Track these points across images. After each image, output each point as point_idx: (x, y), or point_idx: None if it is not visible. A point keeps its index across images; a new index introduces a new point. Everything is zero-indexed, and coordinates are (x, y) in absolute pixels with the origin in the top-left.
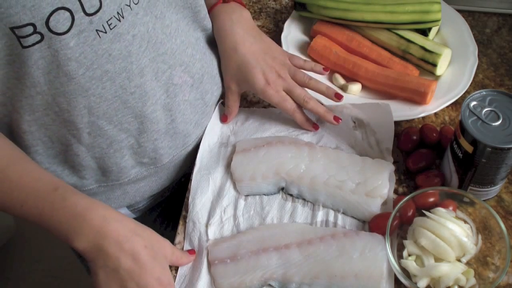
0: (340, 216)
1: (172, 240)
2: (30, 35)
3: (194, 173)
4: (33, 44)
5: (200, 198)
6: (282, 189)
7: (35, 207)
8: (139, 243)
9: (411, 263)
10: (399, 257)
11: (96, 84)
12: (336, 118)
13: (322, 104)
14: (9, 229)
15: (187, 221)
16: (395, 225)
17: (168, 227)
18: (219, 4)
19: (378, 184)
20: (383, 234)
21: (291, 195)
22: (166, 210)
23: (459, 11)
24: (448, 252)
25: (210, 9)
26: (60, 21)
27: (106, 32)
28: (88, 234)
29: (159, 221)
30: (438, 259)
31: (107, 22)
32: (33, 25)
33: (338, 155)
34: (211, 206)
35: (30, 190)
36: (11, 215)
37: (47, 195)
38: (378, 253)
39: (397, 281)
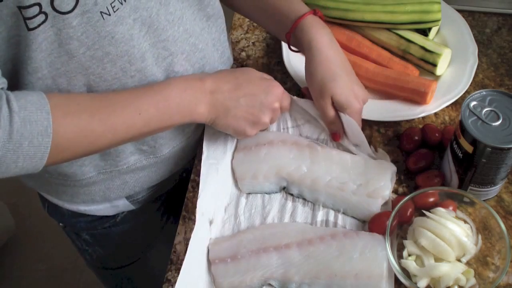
0: (340, 216)
1: (171, 238)
2: (36, 15)
3: (202, 159)
4: (38, 25)
5: (208, 189)
6: (284, 188)
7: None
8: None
9: (411, 263)
10: (399, 257)
11: (97, 64)
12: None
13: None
14: (9, 229)
15: (196, 211)
16: (394, 224)
17: (168, 221)
18: (309, 15)
19: (380, 186)
20: (382, 233)
21: (292, 194)
22: (167, 203)
23: (459, 11)
24: (448, 252)
25: (300, 18)
26: (65, 1)
27: (110, 15)
28: (204, 99)
29: (159, 214)
30: (438, 259)
31: (110, 4)
32: (39, 5)
33: (340, 156)
34: (215, 202)
35: (138, 96)
36: (138, 138)
37: (151, 95)
38: (378, 253)
39: (397, 281)
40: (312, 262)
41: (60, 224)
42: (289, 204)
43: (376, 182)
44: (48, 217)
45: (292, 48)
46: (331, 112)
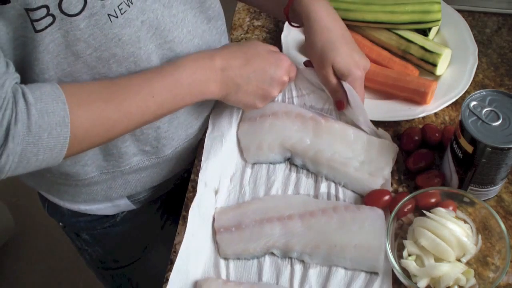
0: (340, 189)
1: (171, 238)
2: (43, 18)
3: (207, 134)
4: (46, 27)
5: (212, 160)
6: (288, 159)
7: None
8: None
9: (411, 263)
10: (399, 257)
11: (102, 64)
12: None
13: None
14: (9, 229)
15: (198, 181)
16: (393, 220)
17: (168, 221)
18: None
19: (382, 166)
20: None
21: (296, 165)
22: (167, 203)
23: (459, 11)
24: (448, 252)
25: None
26: (73, 3)
27: (117, 17)
28: (215, 77)
29: (159, 213)
30: (438, 259)
31: (118, 6)
32: (47, 7)
33: (343, 130)
34: (220, 172)
35: (150, 79)
36: (151, 121)
37: (162, 78)
38: (377, 227)
39: (397, 281)
40: (313, 233)
41: (60, 224)
42: (293, 175)
43: (378, 162)
44: (48, 217)
45: (293, 24)
46: (333, 80)
